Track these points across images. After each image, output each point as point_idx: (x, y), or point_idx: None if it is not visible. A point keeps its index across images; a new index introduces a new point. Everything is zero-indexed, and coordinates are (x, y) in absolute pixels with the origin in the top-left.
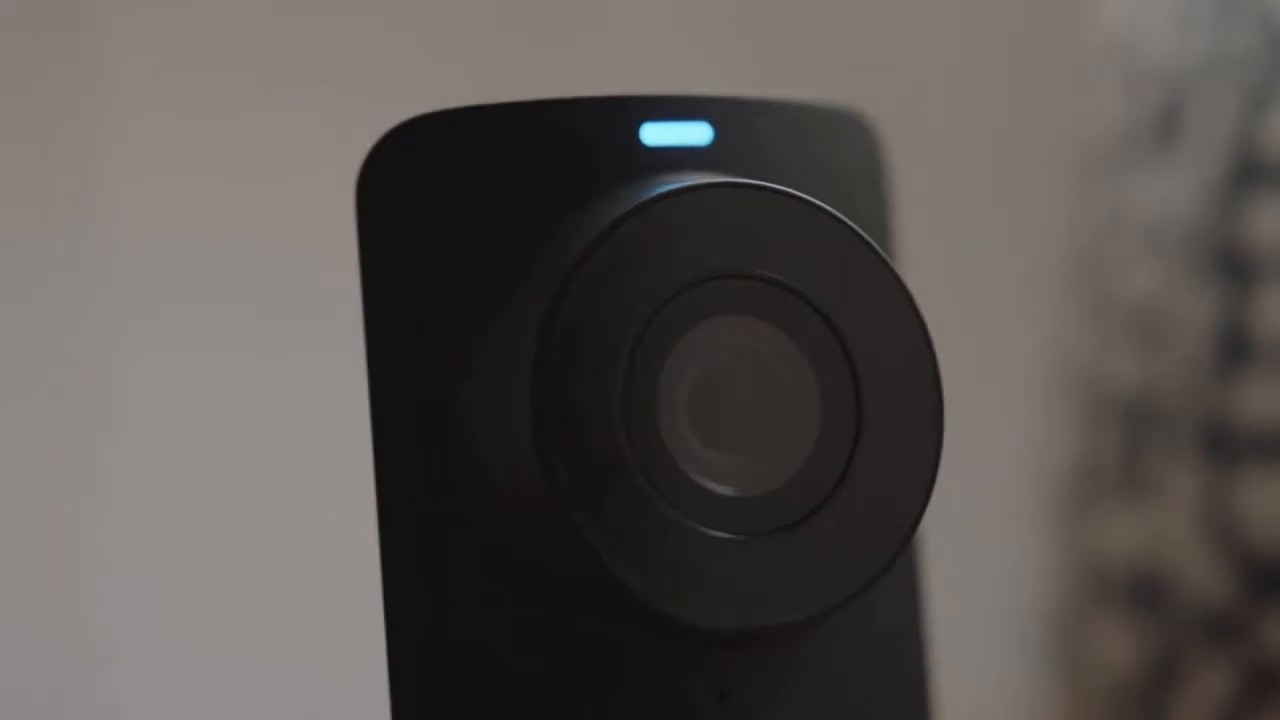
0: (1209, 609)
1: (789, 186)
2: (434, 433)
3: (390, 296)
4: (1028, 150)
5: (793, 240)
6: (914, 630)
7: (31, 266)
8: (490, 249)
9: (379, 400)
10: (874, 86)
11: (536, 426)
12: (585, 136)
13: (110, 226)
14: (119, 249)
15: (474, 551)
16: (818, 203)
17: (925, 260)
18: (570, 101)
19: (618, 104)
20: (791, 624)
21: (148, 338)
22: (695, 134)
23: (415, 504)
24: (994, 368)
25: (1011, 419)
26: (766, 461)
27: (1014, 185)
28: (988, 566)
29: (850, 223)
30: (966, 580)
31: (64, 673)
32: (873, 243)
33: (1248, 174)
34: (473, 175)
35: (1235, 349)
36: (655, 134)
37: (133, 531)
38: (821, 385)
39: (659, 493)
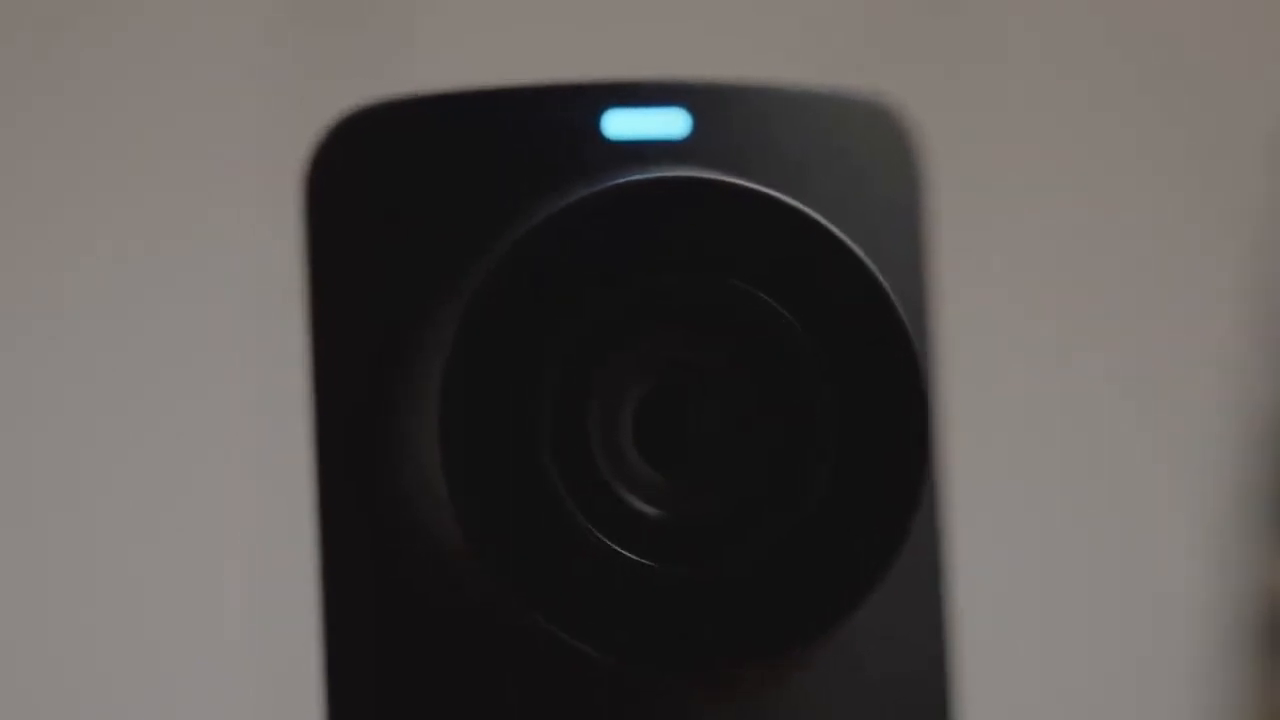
0: None
1: (779, 184)
2: (378, 459)
3: (336, 298)
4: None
5: (756, 242)
6: (932, 679)
7: None
8: (433, 253)
9: (322, 417)
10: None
11: (443, 435)
12: (540, 128)
13: None
14: None
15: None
16: (786, 199)
17: (1110, 276)
18: (526, 89)
19: (576, 91)
20: (736, 668)
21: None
22: (668, 124)
23: (357, 539)
24: (1173, 395)
25: (1189, 443)
26: (721, 484)
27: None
28: (1168, 602)
29: (826, 222)
30: (1144, 618)
31: None
32: (849, 242)
33: None
34: (420, 171)
35: None
36: (619, 124)
37: None
38: (789, 403)
39: (582, 514)
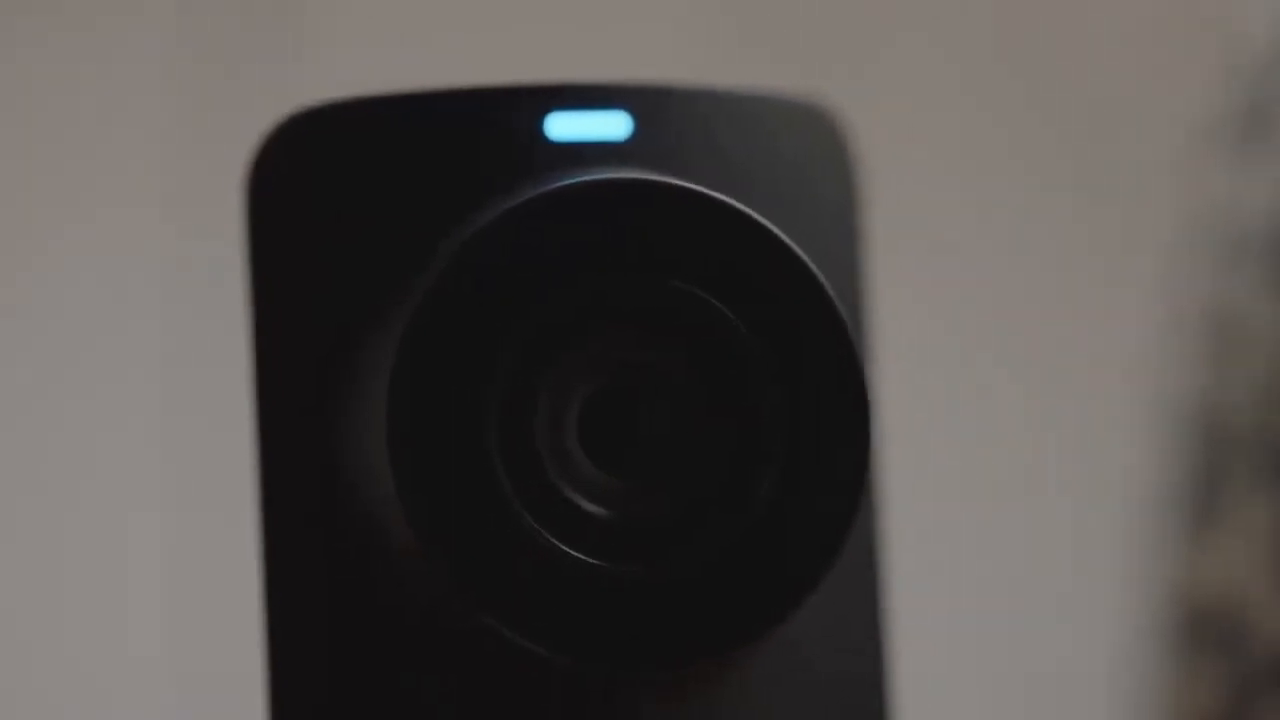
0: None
1: (720, 186)
2: (325, 460)
3: (280, 299)
4: (1124, 154)
5: (700, 244)
6: (870, 677)
7: None
8: (378, 255)
9: (266, 418)
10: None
11: (391, 435)
12: (482, 130)
13: None
14: None
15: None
16: (729, 201)
17: (1013, 271)
18: (469, 91)
19: (519, 93)
20: (683, 666)
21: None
22: (610, 126)
23: (302, 539)
24: (1089, 393)
25: (1105, 441)
26: (668, 485)
27: (1109, 195)
28: (1088, 601)
29: (768, 224)
30: (1063, 618)
31: None
32: (792, 245)
33: None
34: (364, 173)
35: None
36: (562, 126)
37: None
38: (736, 404)
39: (530, 514)
